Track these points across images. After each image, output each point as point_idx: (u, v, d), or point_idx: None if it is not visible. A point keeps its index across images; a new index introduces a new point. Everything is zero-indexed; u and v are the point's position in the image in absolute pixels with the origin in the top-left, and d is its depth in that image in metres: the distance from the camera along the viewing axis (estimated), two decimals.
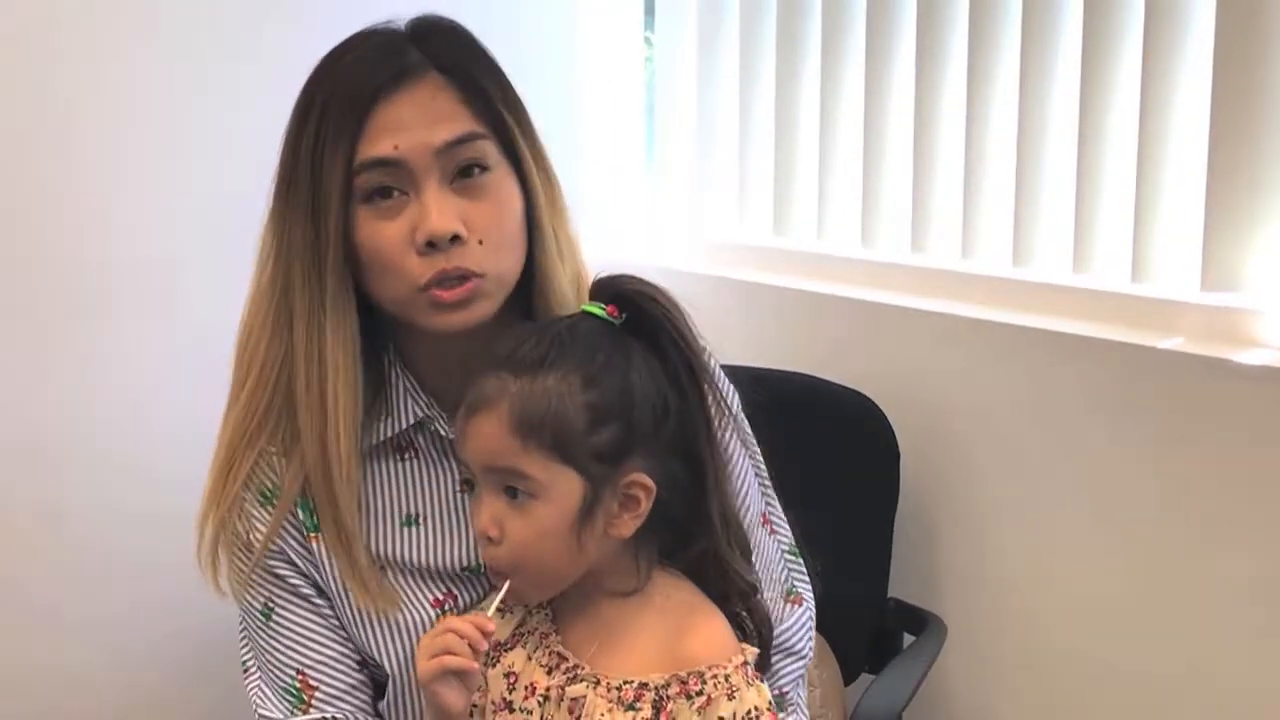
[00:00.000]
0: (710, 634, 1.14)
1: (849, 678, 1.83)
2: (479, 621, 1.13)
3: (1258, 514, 1.58)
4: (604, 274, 1.19)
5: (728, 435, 1.30)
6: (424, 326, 1.22)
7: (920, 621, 1.83)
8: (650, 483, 1.13)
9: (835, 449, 1.88)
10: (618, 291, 1.16)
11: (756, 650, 1.17)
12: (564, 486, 1.11)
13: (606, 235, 2.37)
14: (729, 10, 2.28)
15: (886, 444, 1.87)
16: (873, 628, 1.87)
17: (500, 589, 1.14)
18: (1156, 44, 1.69)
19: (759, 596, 1.21)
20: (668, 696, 1.10)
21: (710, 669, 1.11)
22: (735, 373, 1.36)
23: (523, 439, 1.10)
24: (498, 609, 1.15)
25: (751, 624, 1.20)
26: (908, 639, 1.86)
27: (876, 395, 1.89)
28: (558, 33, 2.39)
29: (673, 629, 1.14)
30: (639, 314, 1.16)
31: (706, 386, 1.17)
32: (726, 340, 1.35)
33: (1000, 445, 1.85)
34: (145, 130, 2.00)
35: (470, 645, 1.12)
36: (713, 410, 1.18)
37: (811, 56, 2.14)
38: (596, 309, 1.15)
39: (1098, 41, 1.75)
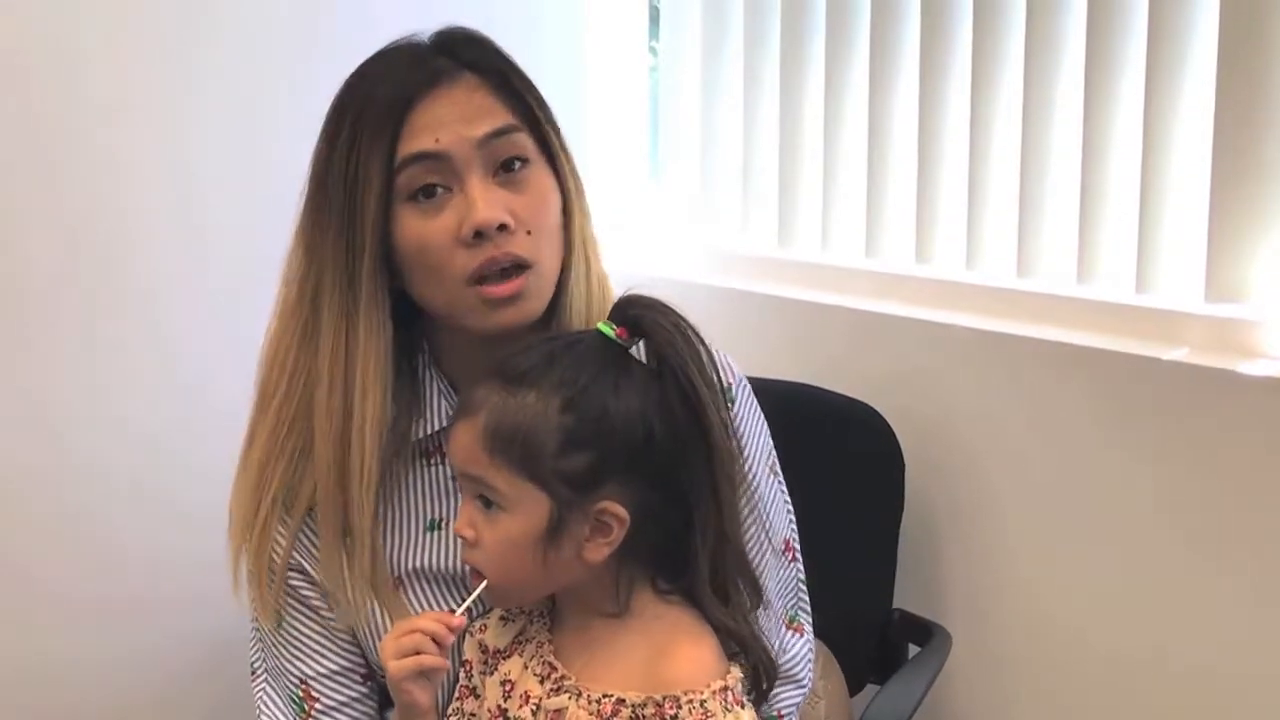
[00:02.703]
0: (691, 657, 1.13)
1: (854, 689, 1.83)
2: (443, 618, 1.15)
3: (1263, 524, 1.58)
4: (632, 291, 1.17)
5: (751, 471, 1.28)
6: (472, 327, 1.21)
7: (925, 632, 1.83)
8: (623, 513, 1.11)
9: (840, 460, 1.87)
10: (629, 314, 1.15)
11: (740, 676, 1.14)
12: (530, 504, 1.11)
13: (611, 245, 2.38)
14: (733, 20, 2.28)
15: (891, 455, 1.87)
16: (878, 639, 1.87)
17: (477, 587, 1.15)
18: (1160, 56, 1.70)
19: (753, 642, 1.18)
20: (644, 717, 1.10)
21: (686, 694, 1.09)
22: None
23: (491, 452, 1.10)
24: (470, 608, 1.17)
25: (747, 666, 1.16)
26: (913, 650, 1.85)
27: (881, 406, 1.89)
28: (563, 42, 2.40)
29: (655, 650, 1.13)
30: (650, 346, 1.14)
31: (710, 424, 1.13)
32: (731, 351, 1.36)
33: (1005, 456, 1.85)
34: (168, 134, 2.02)
35: (437, 642, 1.13)
36: (718, 449, 1.14)
37: (816, 67, 2.15)
38: (607, 328, 1.14)
39: (1102, 53, 1.76)
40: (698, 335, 1.15)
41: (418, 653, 1.14)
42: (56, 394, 1.98)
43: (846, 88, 2.10)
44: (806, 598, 1.41)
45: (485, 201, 1.18)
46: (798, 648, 1.37)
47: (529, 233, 1.20)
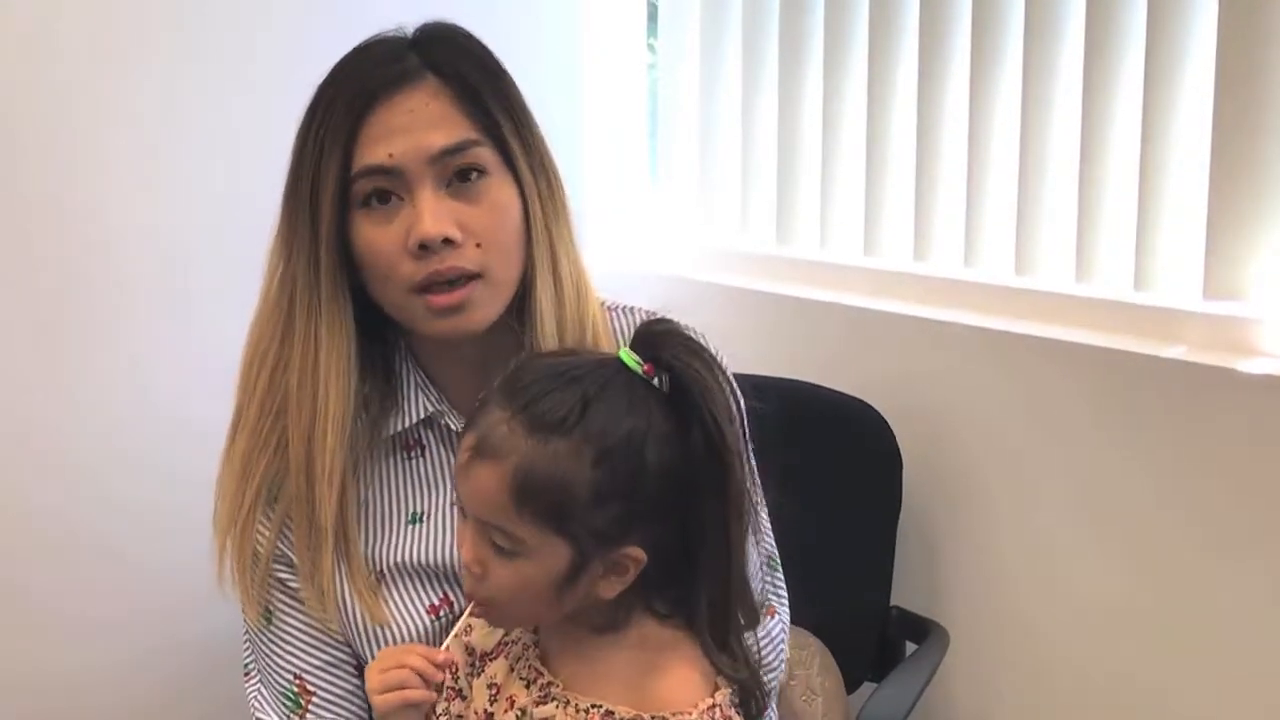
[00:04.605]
0: (680, 676, 1.11)
1: (851, 686, 1.83)
2: (430, 654, 1.14)
3: (1261, 522, 1.58)
4: (655, 320, 1.13)
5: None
6: (423, 333, 1.22)
7: (923, 630, 1.83)
8: (642, 556, 1.09)
9: (838, 457, 1.88)
10: (659, 354, 1.10)
11: (728, 691, 1.12)
12: (551, 552, 1.07)
13: (610, 243, 2.39)
14: (732, 18, 2.28)
15: (889, 452, 1.87)
16: (875, 636, 1.87)
17: (466, 611, 1.14)
18: (1158, 53, 1.70)
19: (753, 685, 1.16)
20: None
21: (675, 715, 1.08)
22: (738, 381, 1.34)
23: (519, 503, 1.06)
24: (460, 634, 1.16)
25: (737, 699, 1.14)
26: (910, 648, 1.85)
27: (879, 403, 1.89)
28: (561, 41, 2.40)
29: (644, 664, 1.11)
30: (678, 386, 1.09)
31: (732, 468, 1.10)
32: (729, 348, 1.35)
33: (1002, 453, 1.85)
34: (153, 129, 2.01)
35: (423, 677, 1.13)
36: (736, 490, 1.11)
37: (814, 64, 2.15)
38: (633, 363, 1.09)
39: (1100, 51, 1.76)
40: (721, 369, 1.12)
41: (403, 687, 1.13)
42: (43, 404, 1.97)
43: (845, 85, 2.10)
44: (780, 576, 1.40)
45: (433, 215, 1.17)
46: (766, 630, 1.36)
47: (479, 245, 1.19)
